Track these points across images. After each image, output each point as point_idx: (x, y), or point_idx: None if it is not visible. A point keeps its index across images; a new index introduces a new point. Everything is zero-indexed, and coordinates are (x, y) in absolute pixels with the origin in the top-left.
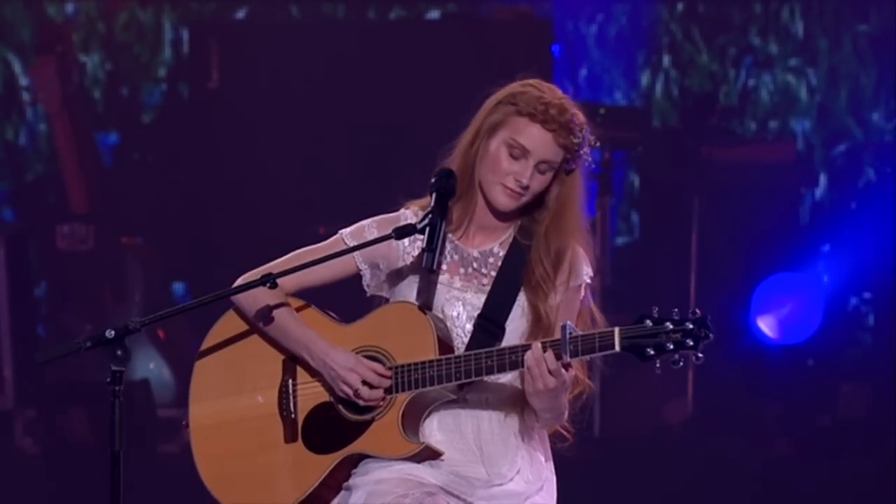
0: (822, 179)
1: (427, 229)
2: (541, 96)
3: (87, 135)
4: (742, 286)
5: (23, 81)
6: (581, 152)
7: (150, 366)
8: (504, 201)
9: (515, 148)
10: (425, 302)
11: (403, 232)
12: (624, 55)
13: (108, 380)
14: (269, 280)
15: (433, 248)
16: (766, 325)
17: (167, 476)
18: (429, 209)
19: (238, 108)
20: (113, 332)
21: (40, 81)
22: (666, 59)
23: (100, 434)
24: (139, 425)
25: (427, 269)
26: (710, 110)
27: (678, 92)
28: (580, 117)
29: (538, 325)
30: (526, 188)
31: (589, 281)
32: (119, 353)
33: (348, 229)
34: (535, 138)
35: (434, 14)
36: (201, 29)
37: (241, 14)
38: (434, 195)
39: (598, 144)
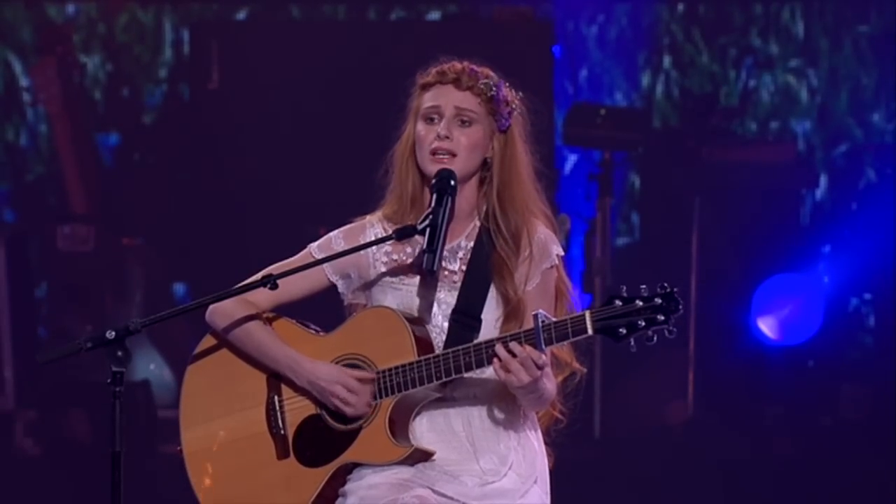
0: (823, 180)
1: (427, 230)
2: (437, 67)
3: (87, 136)
4: (742, 287)
5: (23, 82)
6: (496, 96)
7: (150, 367)
8: (440, 168)
9: (430, 112)
10: (400, 305)
11: (404, 233)
12: (624, 56)
13: (109, 380)
14: (270, 281)
15: (434, 249)
16: (766, 326)
17: (167, 476)
18: (429, 210)
19: (238, 108)
20: (113, 333)
21: (41, 82)
22: (666, 60)
23: (100, 435)
24: (139, 426)
25: (427, 271)
26: (710, 111)
27: (679, 93)
28: (486, 70)
29: (507, 307)
30: (447, 138)
31: (557, 261)
32: (119, 353)
33: (316, 243)
34: (440, 94)
35: (434, 15)
36: (202, 30)
37: (241, 15)
38: (434, 196)
39: (519, 98)
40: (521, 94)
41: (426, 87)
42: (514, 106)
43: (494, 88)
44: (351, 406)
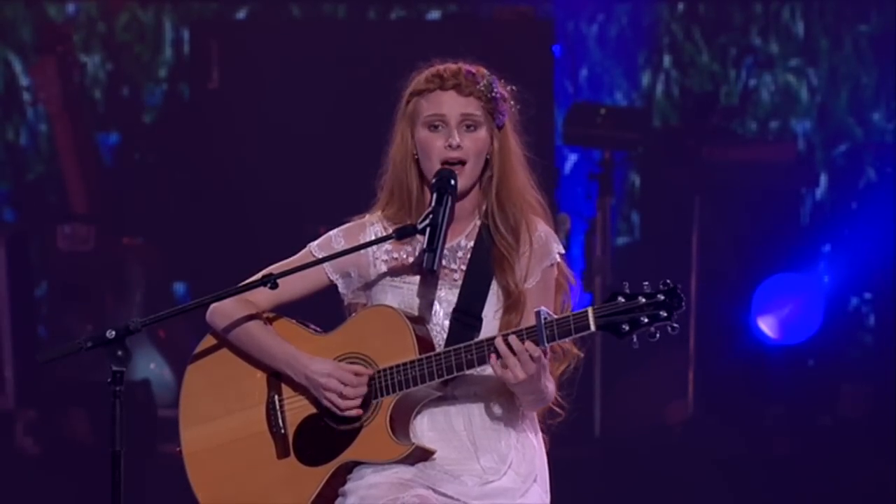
0: (823, 180)
1: (427, 230)
2: (433, 71)
3: (87, 135)
4: (742, 286)
5: (23, 81)
6: (496, 96)
7: (150, 366)
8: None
9: (433, 120)
10: (401, 304)
11: (404, 232)
12: (625, 55)
13: (109, 380)
14: (271, 280)
15: (434, 249)
16: (766, 326)
17: (167, 476)
18: (429, 209)
19: (238, 108)
20: (114, 333)
21: (41, 81)
22: (667, 60)
23: (100, 434)
24: (139, 425)
25: (427, 270)
26: (710, 110)
27: (679, 92)
28: (480, 70)
29: (508, 300)
30: (459, 147)
31: (559, 258)
32: (120, 353)
33: (316, 242)
34: (443, 101)
35: (434, 14)
36: (202, 29)
37: (241, 14)
38: (434, 195)
39: (514, 92)
40: (511, 86)
41: (422, 92)
42: (510, 102)
43: (493, 89)
44: (346, 399)
